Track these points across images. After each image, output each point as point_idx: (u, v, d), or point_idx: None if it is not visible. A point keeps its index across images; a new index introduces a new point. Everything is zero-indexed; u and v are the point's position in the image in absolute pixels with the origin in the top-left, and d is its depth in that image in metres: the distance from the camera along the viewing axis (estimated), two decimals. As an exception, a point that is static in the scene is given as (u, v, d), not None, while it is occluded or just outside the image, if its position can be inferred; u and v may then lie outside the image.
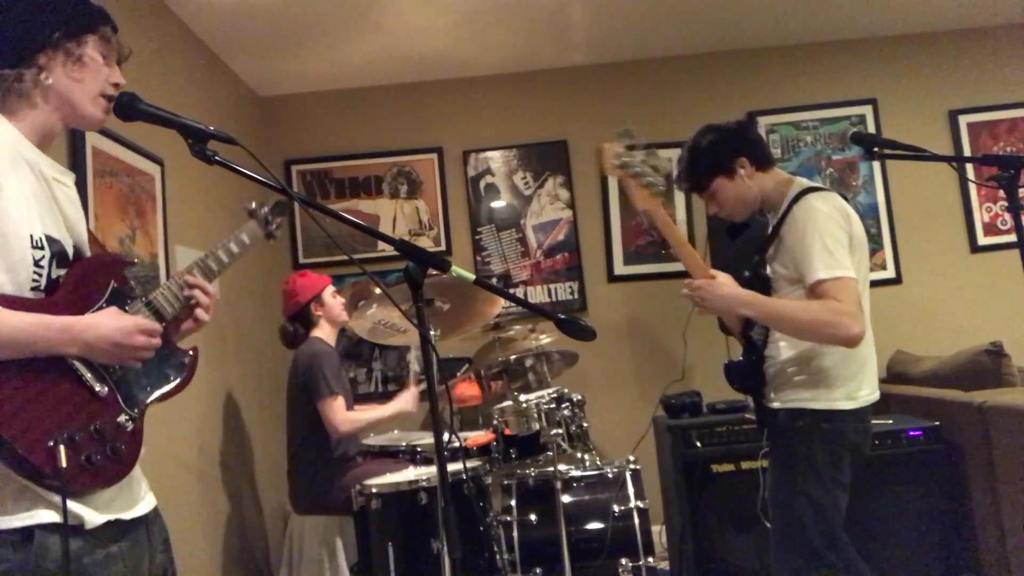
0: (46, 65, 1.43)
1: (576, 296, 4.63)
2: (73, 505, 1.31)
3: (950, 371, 3.53)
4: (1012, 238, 1.97)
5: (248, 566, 3.68)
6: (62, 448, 1.29)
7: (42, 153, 1.45)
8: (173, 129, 1.49)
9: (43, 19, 1.43)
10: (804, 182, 2.36)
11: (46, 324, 1.33)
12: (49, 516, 1.30)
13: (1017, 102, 4.70)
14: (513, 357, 3.79)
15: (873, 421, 2.33)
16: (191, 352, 1.62)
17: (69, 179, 1.50)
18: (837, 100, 4.70)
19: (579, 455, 3.41)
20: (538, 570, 3.16)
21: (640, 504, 3.23)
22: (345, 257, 4.33)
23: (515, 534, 3.21)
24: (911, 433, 3.18)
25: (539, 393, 3.42)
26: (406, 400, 3.41)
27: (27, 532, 1.29)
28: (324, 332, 3.48)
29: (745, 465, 3.31)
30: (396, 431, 3.98)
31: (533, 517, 3.25)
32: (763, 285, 2.32)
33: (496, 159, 4.69)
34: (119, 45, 1.54)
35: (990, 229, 4.66)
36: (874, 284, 2.41)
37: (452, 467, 2.87)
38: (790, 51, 4.73)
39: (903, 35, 4.72)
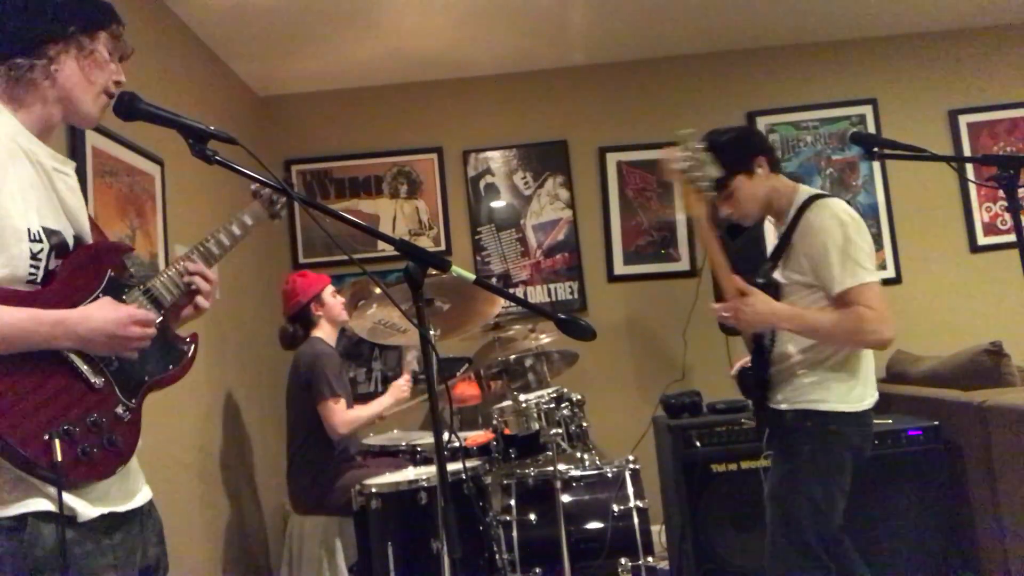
0: (56, 57, 1.43)
1: (576, 296, 4.63)
2: (67, 497, 1.32)
3: (950, 371, 3.53)
4: (1012, 238, 1.98)
5: (248, 566, 3.68)
6: (57, 442, 1.30)
7: (42, 144, 1.44)
8: (173, 129, 1.49)
9: (59, 11, 1.44)
10: (809, 189, 2.41)
11: (38, 319, 1.32)
12: (42, 504, 1.31)
13: (1017, 102, 4.70)
14: (513, 357, 3.79)
15: (874, 421, 2.35)
16: (190, 339, 1.61)
17: (69, 168, 1.50)
18: (837, 100, 4.70)
19: (579, 455, 3.41)
20: (538, 570, 3.16)
21: (640, 504, 3.23)
22: (345, 257, 4.33)
23: (515, 534, 3.21)
24: (911, 433, 3.18)
25: (539, 393, 3.42)
26: (399, 388, 3.43)
27: (20, 520, 1.29)
28: (324, 332, 3.48)
29: (745, 465, 3.31)
30: (396, 431, 3.98)
31: (533, 517, 3.25)
32: (775, 291, 2.33)
33: (496, 159, 4.70)
34: (124, 43, 1.54)
35: (990, 229, 4.66)
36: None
37: (452, 467, 2.87)
38: (790, 51, 4.73)
39: (903, 35, 4.72)
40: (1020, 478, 2.81)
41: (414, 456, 3.47)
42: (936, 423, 3.19)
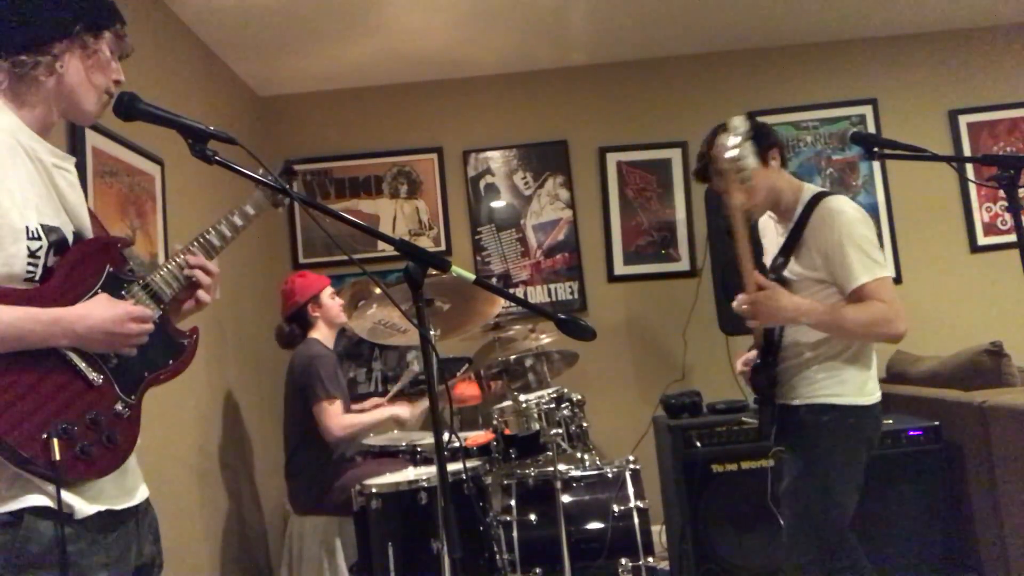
0: (61, 56, 1.43)
1: (576, 296, 4.63)
2: (65, 494, 1.32)
3: (950, 371, 3.53)
4: (1012, 238, 1.99)
5: (248, 566, 3.68)
6: (55, 441, 1.30)
7: (42, 140, 1.44)
8: (173, 129, 1.49)
9: (65, 10, 1.44)
10: (814, 187, 2.43)
11: (35, 318, 1.32)
12: (39, 500, 1.31)
13: (1017, 102, 4.70)
14: (513, 357, 3.78)
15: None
16: (190, 333, 1.60)
17: (69, 163, 1.50)
18: (837, 100, 4.70)
19: (579, 455, 3.41)
20: (538, 570, 3.16)
21: (640, 504, 3.23)
22: (345, 257, 4.32)
23: (515, 534, 3.21)
24: (911, 433, 3.19)
25: (539, 393, 3.42)
26: (405, 409, 3.41)
27: (17, 515, 1.30)
28: (322, 333, 3.48)
29: (745, 465, 3.31)
30: (396, 431, 3.98)
31: (533, 517, 3.25)
32: (784, 287, 2.34)
33: (496, 159, 4.69)
34: (126, 42, 1.54)
35: (990, 229, 4.66)
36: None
37: (452, 467, 2.87)
38: (790, 51, 4.73)
39: (903, 35, 4.72)
40: (1020, 478, 2.81)
41: (414, 456, 3.46)
42: (936, 423, 3.19)
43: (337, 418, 3.26)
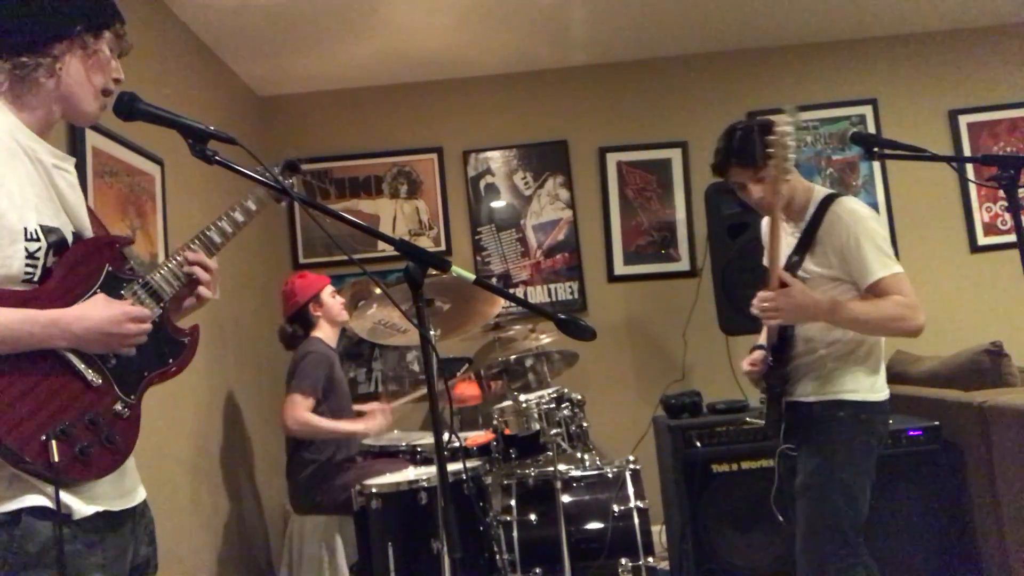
0: (61, 57, 1.43)
1: (576, 296, 4.63)
2: (64, 495, 1.32)
3: (950, 371, 3.53)
4: (1012, 238, 2.00)
5: (248, 566, 3.68)
6: (54, 443, 1.30)
7: (41, 141, 1.44)
8: (173, 129, 1.49)
9: (66, 10, 1.44)
10: (823, 188, 2.45)
11: (32, 319, 1.32)
12: (37, 500, 1.31)
13: (1017, 102, 4.70)
14: (513, 357, 3.78)
15: None
16: (190, 332, 1.60)
17: (69, 164, 1.50)
18: (837, 100, 4.70)
19: (579, 455, 3.41)
20: (538, 570, 3.16)
21: (640, 504, 3.23)
22: (345, 257, 4.32)
23: (515, 534, 3.21)
24: (911, 433, 3.18)
25: (539, 393, 3.42)
26: (370, 425, 3.38)
27: (15, 515, 1.30)
28: (324, 333, 3.48)
29: (745, 465, 3.31)
30: (396, 431, 3.98)
31: (533, 517, 3.25)
32: None
33: (496, 159, 4.69)
34: (125, 41, 1.54)
35: (990, 229, 4.66)
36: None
37: (452, 467, 2.87)
38: (790, 51, 4.73)
39: (903, 35, 4.72)
40: (1020, 478, 2.81)
41: (414, 456, 3.46)
42: (936, 423, 3.19)
43: (298, 411, 3.22)
